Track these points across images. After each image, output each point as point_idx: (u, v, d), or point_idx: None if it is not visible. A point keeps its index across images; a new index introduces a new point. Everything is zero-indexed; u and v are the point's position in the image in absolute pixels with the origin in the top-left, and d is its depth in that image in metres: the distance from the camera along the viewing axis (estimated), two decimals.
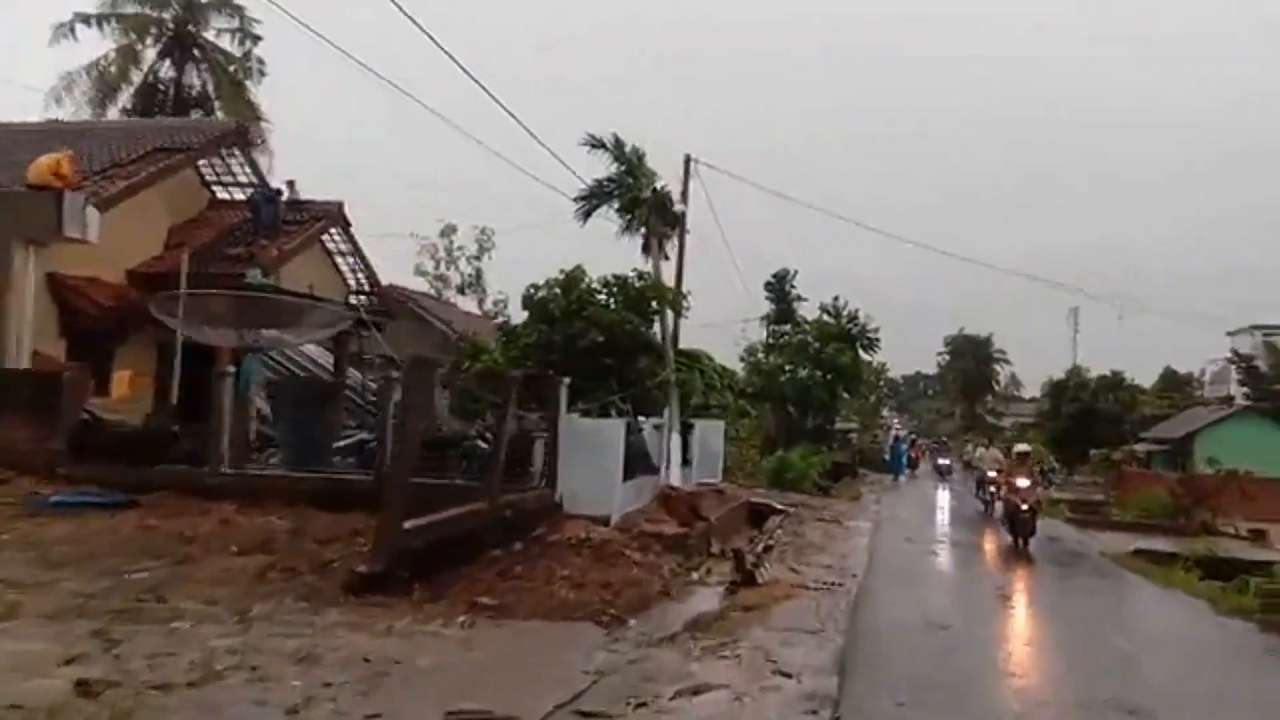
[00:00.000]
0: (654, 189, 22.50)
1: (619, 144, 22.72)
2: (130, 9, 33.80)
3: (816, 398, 38.99)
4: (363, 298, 22.70)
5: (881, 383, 76.83)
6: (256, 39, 35.00)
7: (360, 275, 22.78)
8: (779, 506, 20.27)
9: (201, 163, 21.34)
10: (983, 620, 9.47)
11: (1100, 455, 44.96)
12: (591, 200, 22.79)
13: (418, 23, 14.00)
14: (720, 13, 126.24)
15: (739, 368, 41.03)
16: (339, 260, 22.33)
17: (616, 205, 22.87)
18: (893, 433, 62.84)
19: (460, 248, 44.99)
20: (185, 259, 16.87)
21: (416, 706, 5.86)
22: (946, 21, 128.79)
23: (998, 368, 78.57)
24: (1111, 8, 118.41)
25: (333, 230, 21.60)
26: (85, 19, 32.72)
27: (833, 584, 10.92)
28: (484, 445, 14.72)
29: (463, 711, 5.84)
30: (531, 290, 18.41)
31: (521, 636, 7.95)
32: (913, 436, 60.48)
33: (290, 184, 21.80)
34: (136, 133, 21.71)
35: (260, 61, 35.23)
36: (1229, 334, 55.58)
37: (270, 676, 6.18)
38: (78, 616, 7.36)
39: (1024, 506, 16.11)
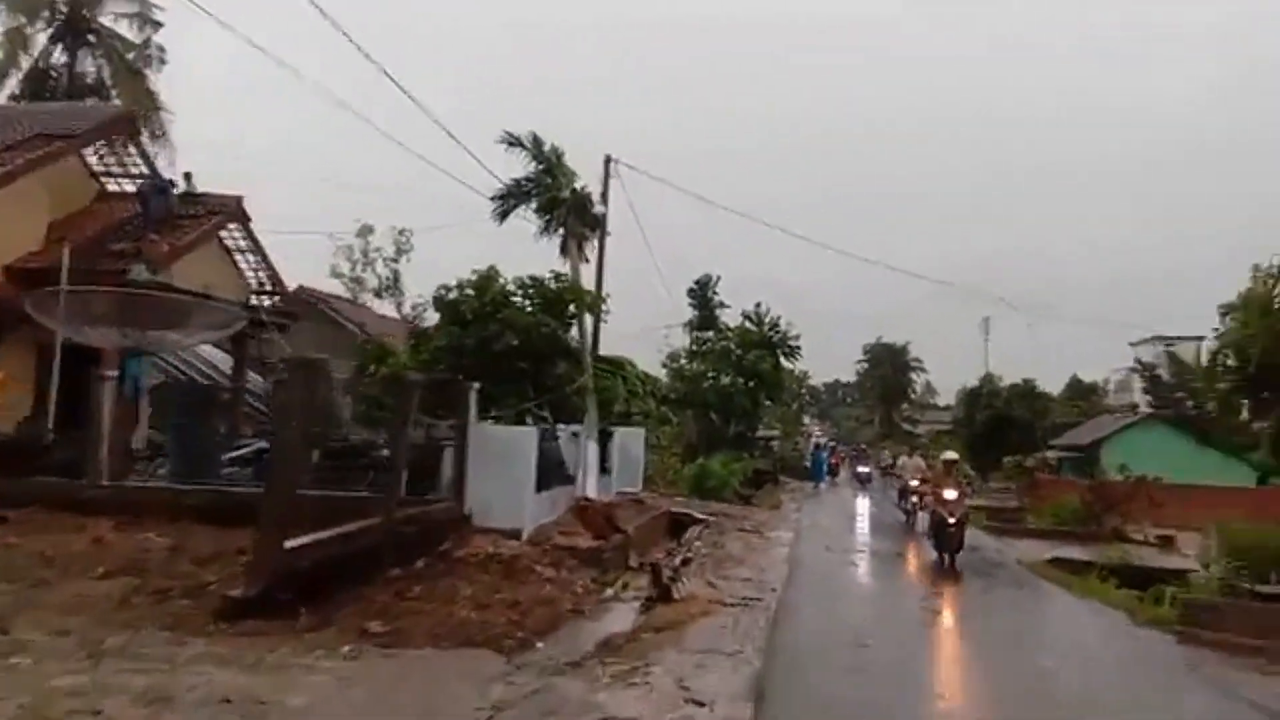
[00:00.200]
0: (573, 189, 21.86)
1: (537, 142, 22.04)
2: None
3: (739, 405, 38.87)
4: (265, 298, 21.48)
5: (803, 390, 77.67)
6: (157, 25, 33.21)
7: (262, 275, 21.57)
8: (699, 516, 19.84)
9: (91, 152, 19.94)
10: (904, 637, 9.10)
11: (1013, 462, 45.93)
12: (508, 200, 22.04)
13: (334, 21, 13.18)
14: (643, 15, 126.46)
15: (662, 374, 40.67)
16: (239, 259, 21.09)
17: (535, 205, 22.24)
18: (813, 440, 63.40)
19: (378, 249, 43.58)
20: (66, 253, 15.64)
21: None
22: (871, 25, 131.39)
23: (914, 376, 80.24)
24: (1032, 11, 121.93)
25: (232, 227, 20.39)
26: None
27: (751, 599, 10.46)
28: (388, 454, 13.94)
29: None
30: (442, 291, 17.61)
31: (412, 668, 7.24)
32: (833, 444, 61.05)
33: (187, 176, 20.54)
34: (15, 118, 20.18)
35: (161, 49, 33.44)
36: (1132, 344, 57.61)
37: None
38: None
39: (951, 520, 14.88)
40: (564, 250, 21.38)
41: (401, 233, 42.91)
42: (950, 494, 15.29)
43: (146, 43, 33.39)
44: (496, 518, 12.91)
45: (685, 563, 13.22)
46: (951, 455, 17.35)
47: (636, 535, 15.26)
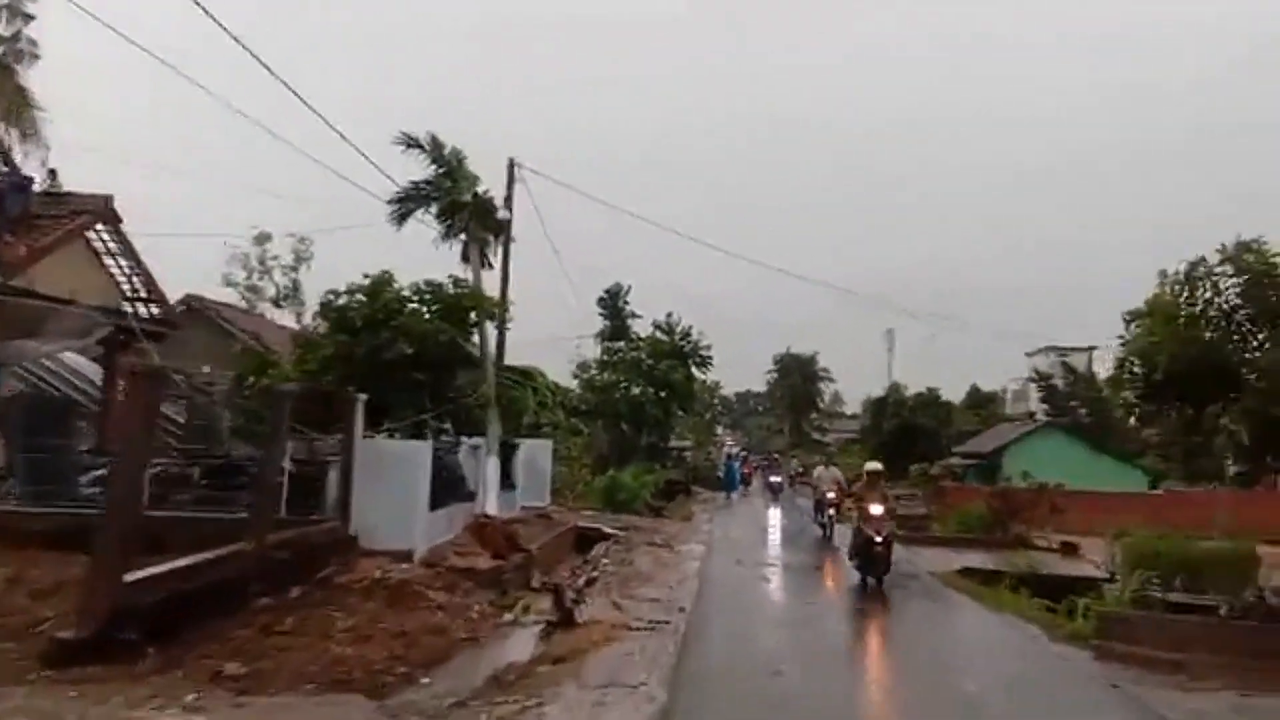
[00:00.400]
0: (475, 193, 21.00)
1: (437, 144, 21.10)
2: None
3: (650, 415, 38.40)
4: (140, 305, 19.89)
5: (715, 400, 77.94)
6: (29, 18, 30.86)
7: (136, 280, 19.98)
8: (608, 530, 19.15)
9: None
10: (820, 662, 8.54)
11: (920, 470, 46.60)
12: (406, 203, 21.07)
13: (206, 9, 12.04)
14: (553, 16, 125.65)
15: (573, 385, 39.92)
16: (110, 263, 19.48)
17: (435, 210, 21.31)
18: (726, 450, 63.45)
19: (275, 257, 41.72)
20: None
21: None
22: (781, 31, 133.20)
23: (822, 385, 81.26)
24: (938, 18, 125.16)
25: (101, 228, 18.80)
26: None
27: (659, 622, 9.80)
28: (280, 472, 12.85)
29: None
30: (330, 297, 16.49)
31: (265, 718, 6.32)
32: (745, 453, 61.14)
33: (51, 173, 18.92)
34: None
35: (33, 43, 31.10)
36: (1028, 354, 59.61)
37: None
38: None
39: (878, 539, 13.30)
40: (465, 256, 20.49)
41: (301, 240, 41.24)
42: (876, 509, 13.76)
43: (16, 36, 31.02)
44: (386, 539, 11.96)
45: (590, 582, 12.50)
46: (876, 466, 15.56)
47: (541, 553, 14.48)
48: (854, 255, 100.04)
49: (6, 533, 10.80)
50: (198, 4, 11.56)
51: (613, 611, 10.48)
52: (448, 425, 17.56)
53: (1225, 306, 13.24)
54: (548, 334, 39.78)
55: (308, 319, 40.48)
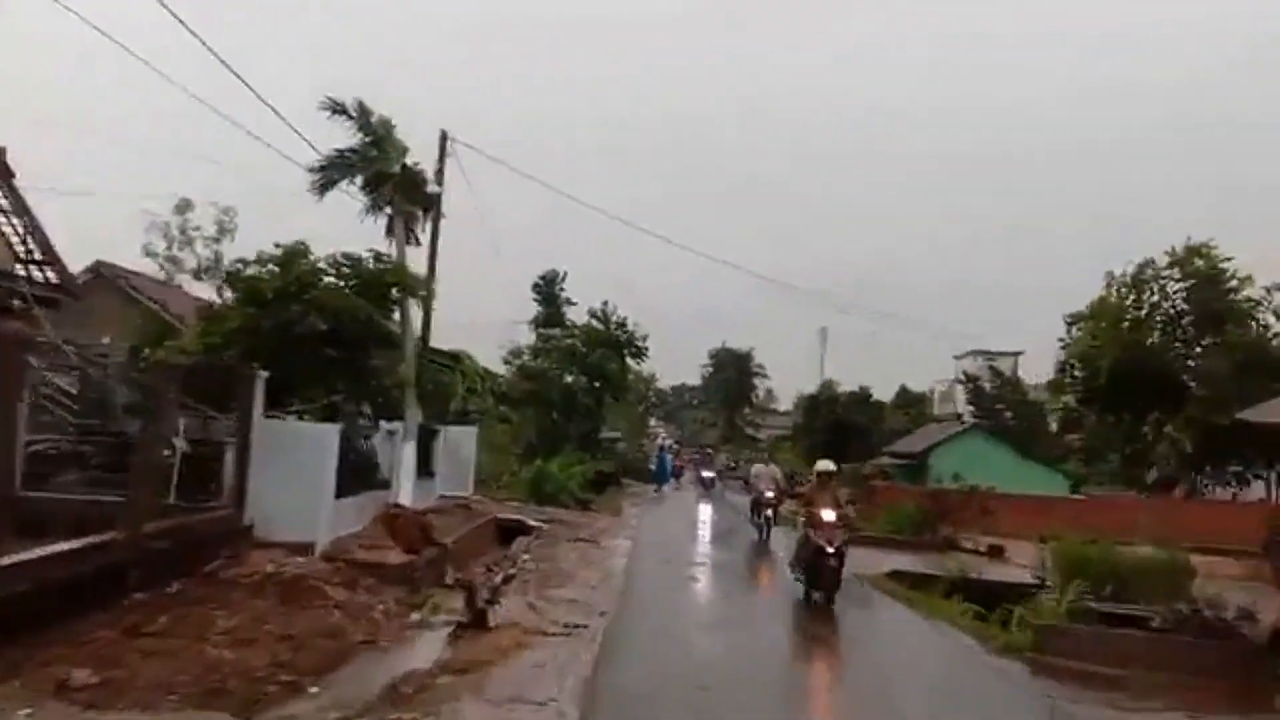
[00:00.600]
0: (404, 165, 19.98)
1: (364, 111, 20.00)
2: None
3: (582, 404, 37.63)
4: (34, 268, 18.40)
5: (650, 392, 77.43)
6: None
7: (31, 241, 18.47)
8: (532, 524, 18.36)
9: None
10: (748, 675, 7.91)
11: (851, 469, 46.74)
12: (330, 172, 19.94)
13: None
14: (502, 8, 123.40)
15: (503, 370, 38.94)
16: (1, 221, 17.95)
17: (360, 181, 20.22)
18: (658, 442, 63.01)
19: (198, 228, 39.77)
20: None
21: None
22: (725, 26, 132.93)
23: (757, 381, 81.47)
24: (886, 13, 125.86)
25: None
26: None
27: (577, 626, 9.10)
28: (168, 453, 11.78)
29: None
30: (239, 266, 15.36)
31: None
32: (677, 447, 60.80)
33: None
34: None
35: None
36: (956, 357, 60.46)
37: None
38: None
39: (830, 549, 11.59)
40: (390, 230, 19.49)
41: (225, 211, 39.40)
42: (828, 515, 12.07)
43: None
44: (285, 529, 11.07)
45: (507, 580, 11.73)
46: (828, 466, 13.70)
47: (458, 547, 13.65)
48: (793, 251, 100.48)
49: None
50: None
51: (528, 613, 9.74)
52: (365, 408, 16.60)
53: (1172, 311, 13.04)
54: (482, 318, 38.82)
55: (229, 293, 38.73)
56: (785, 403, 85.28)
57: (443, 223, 21.95)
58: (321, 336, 14.67)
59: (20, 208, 18.19)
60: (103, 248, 39.27)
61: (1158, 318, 13.36)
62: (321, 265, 15.86)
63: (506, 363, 39.82)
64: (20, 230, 18.47)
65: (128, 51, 13.76)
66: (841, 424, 47.29)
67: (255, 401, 11.08)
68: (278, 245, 16.00)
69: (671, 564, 15.01)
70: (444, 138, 20.72)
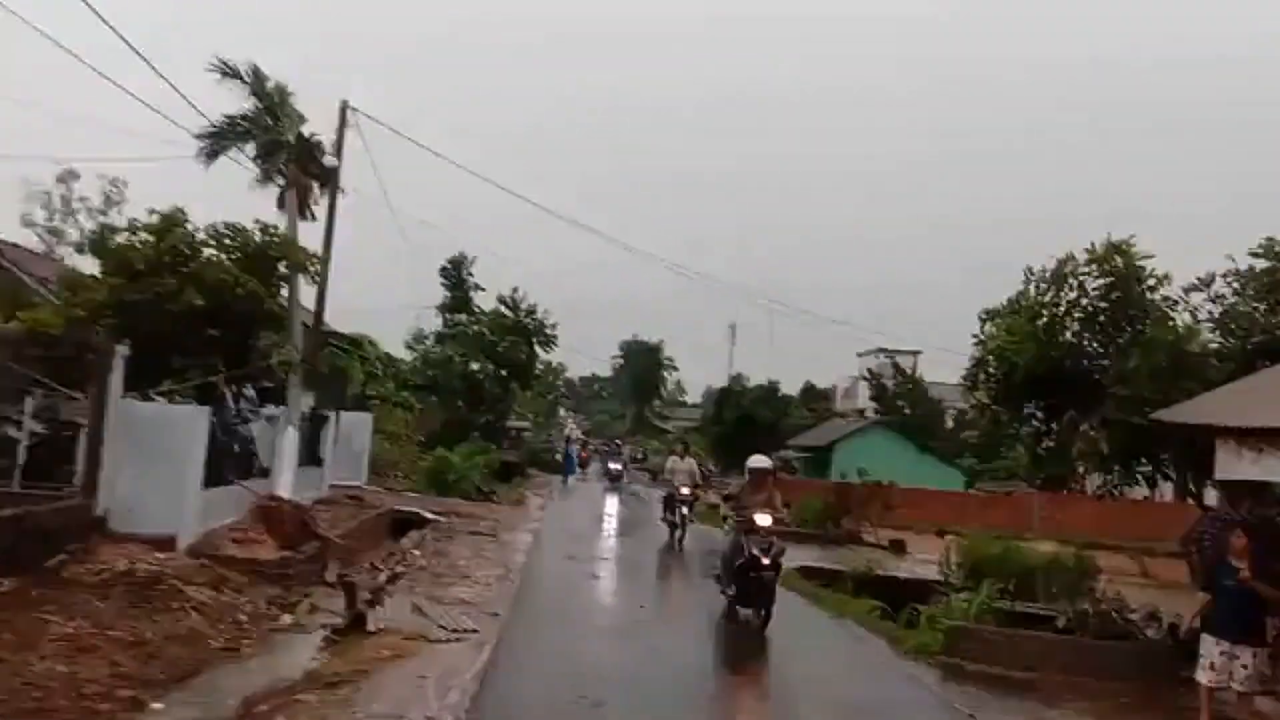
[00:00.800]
0: (299, 134, 18.79)
1: (259, 76, 18.76)
2: None
3: (489, 392, 36.70)
4: None
5: (559, 382, 76.60)
6: None
7: None
8: (429, 515, 17.46)
9: None
10: (650, 687, 7.24)
11: None
12: (219, 139, 18.62)
13: None
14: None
15: (407, 356, 37.63)
16: None
17: (253, 150, 18.96)
18: (566, 433, 62.27)
19: (83, 199, 37.09)
20: None
21: None
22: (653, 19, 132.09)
23: (666, 374, 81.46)
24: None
25: None
26: None
27: (465, 632, 8.38)
28: (16, 433, 10.58)
29: None
30: (107, 233, 14.04)
31: None
32: (584, 438, 60.19)
33: None
34: None
35: None
36: (859, 354, 61.58)
37: None
38: None
39: (765, 560, 9.79)
40: (282, 202, 18.31)
41: (113, 182, 36.85)
42: (763, 519, 10.22)
43: None
44: (145, 520, 10.03)
45: (393, 578, 10.92)
46: (763, 462, 11.61)
47: (345, 541, 12.73)
48: (707, 247, 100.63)
49: None
50: None
51: (414, 616, 8.97)
52: (250, 390, 15.46)
53: (1090, 309, 13.07)
54: (388, 303, 37.39)
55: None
56: (694, 395, 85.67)
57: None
58: (199, 313, 13.53)
59: None
60: None
61: (1076, 314, 13.34)
62: (201, 236, 14.68)
63: (410, 348, 38.53)
64: None
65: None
66: (749, 417, 47.43)
67: (112, 380, 9.97)
68: (153, 212, 14.76)
69: (575, 560, 14.30)
70: (344, 108, 19.55)
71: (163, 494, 10.12)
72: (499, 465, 32.04)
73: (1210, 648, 7.29)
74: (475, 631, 8.46)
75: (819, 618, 8.86)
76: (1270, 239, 13.03)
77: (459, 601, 9.79)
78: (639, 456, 57.45)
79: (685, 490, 17.59)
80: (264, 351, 15.16)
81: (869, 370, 58.27)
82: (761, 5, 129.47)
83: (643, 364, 76.05)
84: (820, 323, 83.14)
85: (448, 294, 39.91)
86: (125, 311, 13.24)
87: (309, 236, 18.84)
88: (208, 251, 14.63)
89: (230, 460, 12.13)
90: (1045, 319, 13.38)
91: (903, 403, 52.75)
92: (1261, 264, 12.98)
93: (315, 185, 19.32)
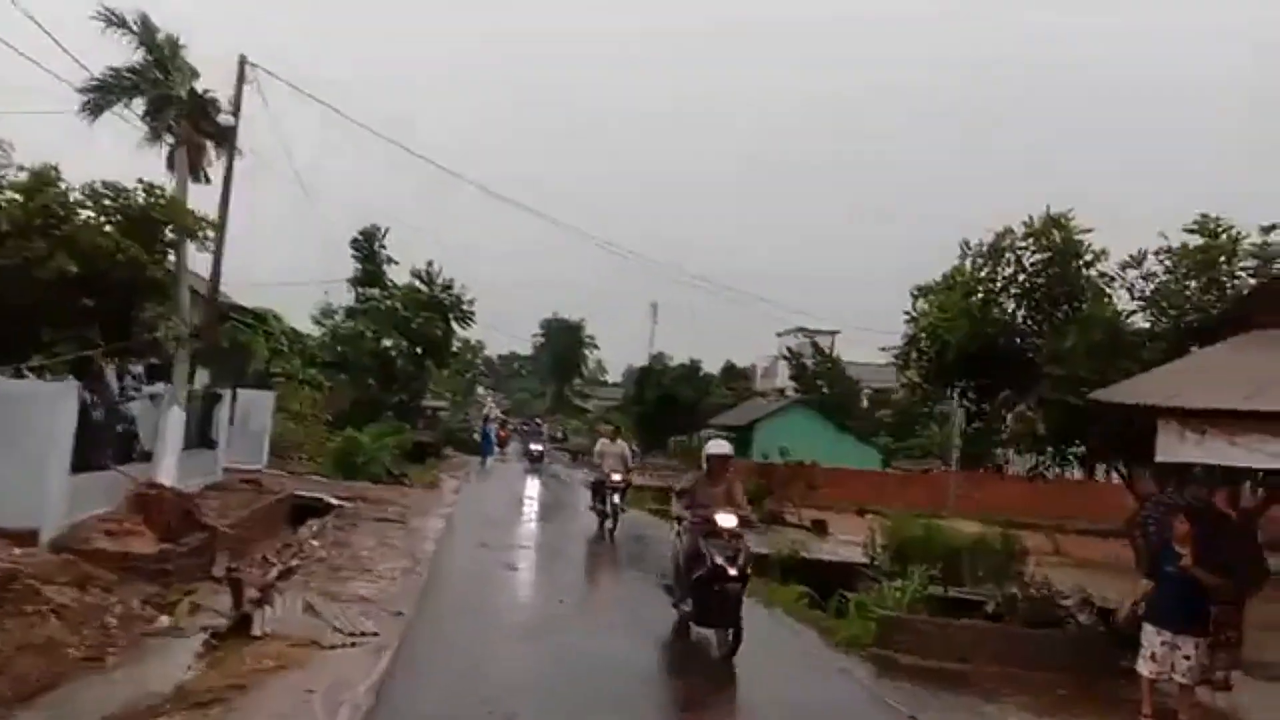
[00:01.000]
0: (192, 89, 17.44)
1: (148, 27, 17.35)
2: None
3: (402, 370, 35.39)
4: None
5: (478, 360, 75.06)
6: None
7: None
8: (332, 501, 16.46)
9: None
10: (570, 697, 6.61)
11: (680, 441, 46.81)
12: (104, 93, 17.17)
13: None
14: None
15: (315, 332, 35.95)
16: None
17: (142, 105, 17.56)
18: (485, 412, 60.99)
19: None
20: None
21: None
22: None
23: (587, 352, 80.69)
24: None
25: None
26: None
27: (362, 635, 7.59)
28: None
29: None
30: None
31: None
32: (502, 417, 58.97)
33: None
34: None
35: None
36: (779, 334, 61.95)
37: None
38: None
39: (732, 571, 8.09)
40: (172, 162, 16.98)
41: None
42: (726, 520, 8.51)
43: None
44: (1, 512, 8.91)
45: (288, 573, 10.02)
46: (724, 448, 9.62)
47: (237, 531, 11.72)
48: (628, 225, 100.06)
49: None
50: None
51: (306, 616, 8.13)
52: (135, 366, 14.23)
53: (1027, 285, 12.82)
54: (296, 275, 35.64)
55: None
56: (615, 374, 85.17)
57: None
58: (72, 280, 12.32)
59: None
60: None
61: (1013, 290, 13.09)
62: (78, 196, 13.39)
63: (318, 323, 36.85)
64: None
65: None
66: (670, 397, 47.20)
67: None
68: (22, 169, 13.42)
69: (490, 548, 13.48)
70: (242, 62, 18.18)
71: (22, 481, 9.04)
72: (412, 446, 30.88)
73: (1152, 638, 7.04)
74: (375, 634, 7.68)
75: (748, 607, 8.31)
76: (1204, 215, 12.97)
77: (358, 599, 8.97)
78: (559, 436, 56.60)
79: (616, 476, 16.40)
80: (149, 324, 13.97)
81: (788, 349, 58.56)
82: None
83: (563, 342, 75.16)
84: (745, 299, 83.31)
85: (359, 267, 38.25)
86: None
87: (204, 200, 17.56)
88: (84, 214, 13.38)
89: (108, 443, 11.01)
90: (980, 295, 13.12)
91: (821, 382, 53.21)
92: (1195, 240, 12.88)
93: (210, 145, 18.01)
